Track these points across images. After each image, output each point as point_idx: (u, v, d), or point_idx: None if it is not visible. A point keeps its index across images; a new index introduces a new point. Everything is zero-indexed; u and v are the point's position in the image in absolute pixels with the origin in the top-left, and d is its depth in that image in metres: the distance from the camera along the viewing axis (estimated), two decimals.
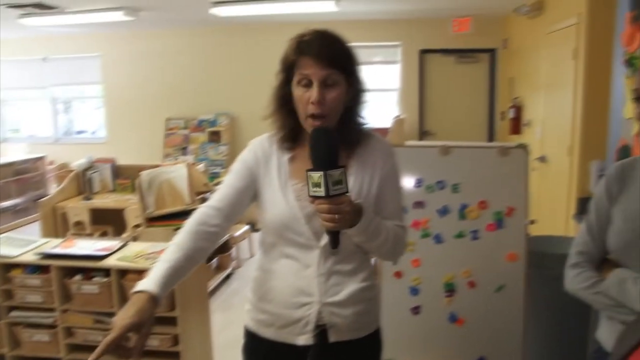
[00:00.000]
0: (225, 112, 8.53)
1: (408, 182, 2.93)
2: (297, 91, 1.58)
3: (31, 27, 7.54)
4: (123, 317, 1.34)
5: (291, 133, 1.67)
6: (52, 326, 3.16)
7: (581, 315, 2.72)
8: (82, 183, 6.01)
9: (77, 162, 6.29)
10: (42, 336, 3.17)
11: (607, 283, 1.57)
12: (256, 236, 6.44)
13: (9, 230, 6.75)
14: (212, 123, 8.49)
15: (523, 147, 2.87)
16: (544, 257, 2.94)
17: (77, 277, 3.05)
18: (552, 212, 5.20)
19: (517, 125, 6.69)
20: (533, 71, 6.14)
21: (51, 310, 3.13)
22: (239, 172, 1.70)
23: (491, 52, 8.08)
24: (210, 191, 5.20)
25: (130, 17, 6.93)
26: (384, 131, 7.92)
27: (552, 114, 5.40)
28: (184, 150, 8.37)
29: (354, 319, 1.67)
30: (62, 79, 9.45)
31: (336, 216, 1.43)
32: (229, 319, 4.32)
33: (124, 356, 1.35)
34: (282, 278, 1.67)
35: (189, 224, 1.60)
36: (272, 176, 1.67)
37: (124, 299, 2.93)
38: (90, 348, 3.14)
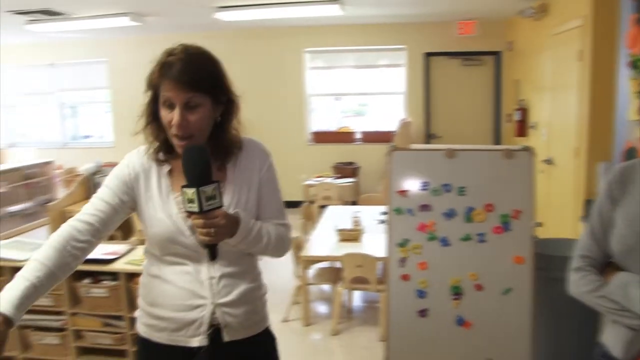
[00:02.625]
0: None
1: (413, 185, 2.94)
2: (163, 112, 1.56)
3: (38, 33, 7.59)
4: None
5: (164, 146, 1.64)
6: (61, 329, 3.19)
7: (588, 319, 2.72)
8: (90, 187, 6.03)
9: (85, 166, 6.32)
10: (52, 339, 3.20)
11: (610, 287, 1.57)
12: None
13: (18, 234, 6.79)
14: None
15: (528, 149, 2.87)
16: (551, 260, 2.94)
17: (86, 281, 3.08)
18: (558, 215, 5.19)
19: (522, 128, 6.68)
20: (538, 73, 6.14)
21: (60, 313, 3.16)
22: (114, 187, 1.65)
23: (496, 54, 8.09)
24: None
25: (136, 23, 6.98)
26: (389, 134, 7.93)
27: (558, 115, 5.40)
28: None
29: (245, 318, 1.71)
30: (69, 84, 9.52)
31: (212, 230, 1.49)
32: None
33: None
34: (173, 282, 1.65)
35: (56, 238, 1.52)
36: (153, 191, 1.65)
37: (132, 302, 2.95)
38: (99, 351, 3.18)
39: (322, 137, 8.64)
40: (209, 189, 1.46)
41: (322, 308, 4.80)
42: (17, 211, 7.53)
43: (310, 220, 5.46)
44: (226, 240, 1.57)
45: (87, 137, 9.93)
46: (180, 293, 1.64)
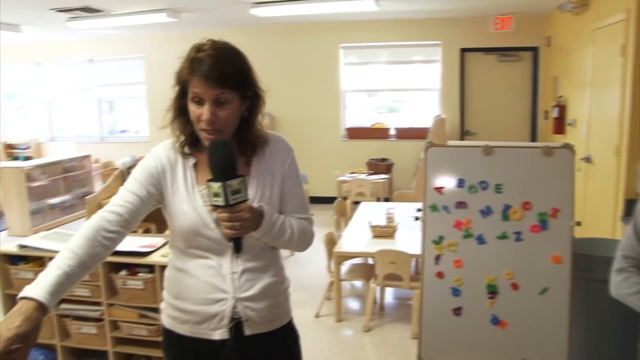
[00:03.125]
0: (265, 111, 8.57)
1: (449, 181, 2.91)
2: (191, 107, 1.58)
3: (78, 30, 7.74)
4: (8, 327, 1.26)
5: (190, 139, 1.67)
6: (98, 319, 3.25)
7: (629, 322, 2.66)
8: (126, 180, 6.13)
9: (121, 160, 6.43)
10: (90, 329, 3.26)
11: None
12: None
13: (57, 226, 6.95)
14: None
15: (568, 147, 2.81)
16: (590, 260, 2.88)
17: (122, 273, 3.13)
18: (598, 214, 5.08)
19: (560, 125, 6.55)
20: (578, 69, 6.01)
21: (98, 304, 3.22)
22: (142, 179, 1.68)
23: (533, 50, 7.94)
24: None
25: (173, 19, 7.05)
26: (424, 131, 7.87)
27: (598, 113, 5.27)
28: None
29: (267, 312, 1.71)
30: (107, 79, 9.69)
31: (237, 224, 1.51)
32: None
33: None
34: (196, 276, 1.67)
35: (87, 228, 1.56)
36: (179, 183, 1.68)
37: None
38: (135, 341, 3.23)
39: (356, 133, 8.62)
40: (234, 183, 1.48)
41: (354, 304, 4.79)
42: (56, 203, 7.71)
43: (343, 216, 5.45)
44: (251, 234, 1.59)
45: (123, 131, 10.10)
46: (203, 287, 1.66)
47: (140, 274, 3.11)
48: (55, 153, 9.32)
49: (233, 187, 1.48)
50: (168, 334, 1.77)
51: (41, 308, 1.33)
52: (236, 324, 1.67)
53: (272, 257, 1.77)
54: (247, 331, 1.68)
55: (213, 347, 1.68)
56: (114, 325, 3.25)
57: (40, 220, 7.33)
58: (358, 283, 4.91)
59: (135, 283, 3.10)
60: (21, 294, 1.35)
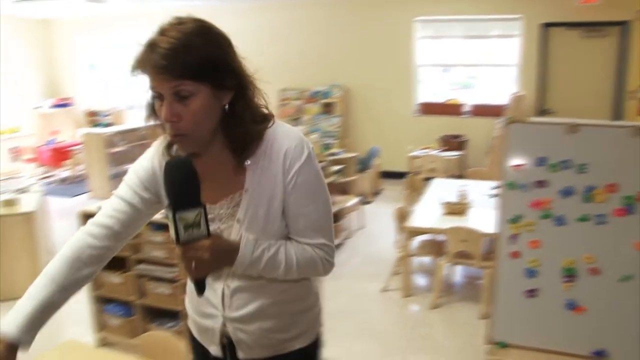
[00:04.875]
0: (339, 84, 8.57)
1: (529, 159, 2.81)
2: (156, 105, 1.31)
3: (159, 1, 7.90)
4: None
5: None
6: (173, 280, 3.37)
7: None
8: None
9: None
10: (164, 289, 3.39)
11: None
12: (367, 208, 6.49)
13: None
14: (326, 94, 8.56)
15: None
16: None
17: None
18: None
19: None
20: None
21: (172, 265, 3.34)
22: (132, 184, 1.46)
23: (623, 24, 7.50)
24: (323, 161, 5.28)
25: None
26: (499, 108, 7.64)
27: None
28: (296, 121, 8.52)
29: (261, 335, 1.48)
30: None
31: (191, 264, 1.26)
32: (336, 289, 4.39)
33: None
34: None
35: (68, 248, 1.39)
36: None
37: None
38: None
39: (429, 109, 8.47)
40: (190, 216, 1.23)
41: (422, 281, 4.77)
42: None
43: (414, 192, 5.40)
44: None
45: None
46: (200, 298, 1.49)
47: None
48: (133, 121, 9.65)
49: (188, 220, 1.22)
50: (190, 334, 1.67)
51: (11, 346, 1.24)
52: (230, 343, 1.51)
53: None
54: (240, 354, 1.50)
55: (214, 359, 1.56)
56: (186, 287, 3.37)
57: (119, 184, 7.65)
58: (427, 259, 4.87)
59: None
60: None
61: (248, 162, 1.37)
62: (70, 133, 9.61)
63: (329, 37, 8.54)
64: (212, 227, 1.33)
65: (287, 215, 1.40)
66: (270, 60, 8.80)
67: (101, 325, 3.68)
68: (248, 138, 1.35)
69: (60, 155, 8.88)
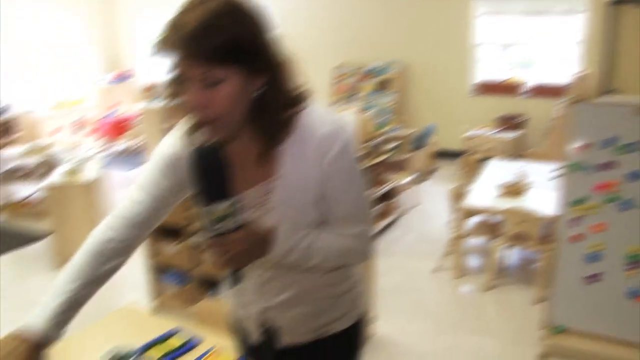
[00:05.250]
0: (396, 60, 8.43)
1: (594, 141, 2.70)
2: (180, 86, 1.23)
3: None
4: None
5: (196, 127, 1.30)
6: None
7: None
8: None
9: None
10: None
11: None
12: (422, 186, 6.42)
13: None
14: (382, 71, 8.45)
15: None
16: None
17: None
18: None
19: None
20: None
21: None
22: (153, 174, 1.39)
23: None
24: (376, 137, 5.24)
25: None
26: (560, 88, 7.39)
27: None
28: (351, 99, 8.45)
29: (300, 320, 1.45)
30: None
31: (224, 257, 1.23)
32: (390, 265, 4.38)
33: None
34: None
35: (91, 241, 1.35)
36: None
37: None
38: None
39: (487, 88, 8.25)
40: (220, 208, 1.19)
41: (475, 262, 4.69)
42: None
43: (470, 172, 5.30)
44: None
45: None
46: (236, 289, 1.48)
47: None
48: None
49: (218, 212, 1.19)
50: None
51: (39, 345, 1.22)
52: (269, 329, 1.49)
53: None
54: (281, 340, 1.49)
55: (253, 347, 1.56)
56: None
57: None
58: (480, 241, 4.79)
59: None
60: (22, 326, 1.23)
61: (281, 148, 1.28)
62: (129, 106, 9.84)
63: (387, 13, 8.39)
64: (244, 218, 1.26)
65: (321, 204, 1.33)
66: (325, 37, 8.75)
67: (157, 293, 3.79)
68: (280, 124, 1.27)
69: (119, 127, 9.12)
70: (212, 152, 1.21)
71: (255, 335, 1.52)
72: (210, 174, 1.20)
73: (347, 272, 1.49)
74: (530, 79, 8.07)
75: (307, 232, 1.32)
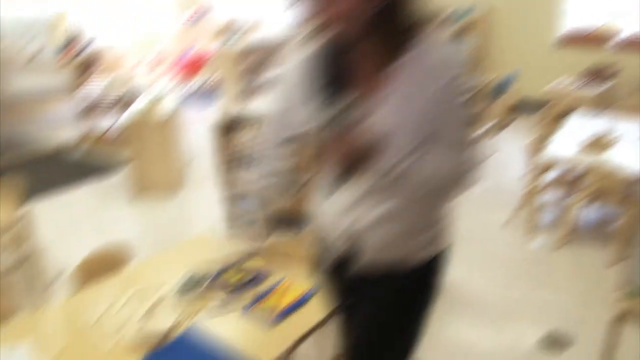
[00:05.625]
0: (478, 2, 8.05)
1: None
2: None
3: None
4: None
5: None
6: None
7: None
8: None
9: None
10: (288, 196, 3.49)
11: None
12: (499, 136, 6.18)
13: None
14: (461, 16, 8.07)
15: None
16: None
17: None
18: None
19: None
20: None
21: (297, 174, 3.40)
22: (283, 94, 1.55)
23: None
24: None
25: None
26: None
27: None
28: None
29: (388, 239, 1.46)
30: None
31: (339, 154, 1.32)
32: (461, 212, 4.23)
33: None
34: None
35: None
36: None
37: None
38: None
39: (573, 38, 7.77)
40: (336, 108, 1.30)
41: (549, 217, 4.52)
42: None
43: (551, 125, 5.05)
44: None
45: None
46: (333, 202, 1.51)
47: None
48: (268, 32, 9.73)
49: (334, 112, 1.30)
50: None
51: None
52: (355, 244, 1.50)
53: None
54: (355, 263, 1.51)
55: (331, 266, 1.61)
56: None
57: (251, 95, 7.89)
58: (556, 196, 4.59)
59: None
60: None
61: (396, 65, 1.31)
62: (205, 44, 9.91)
63: None
64: (358, 120, 1.32)
65: (428, 129, 1.34)
66: None
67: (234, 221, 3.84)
68: (399, 40, 1.30)
69: (195, 66, 9.22)
70: (330, 54, 1.31)
71: (339, 251, 1.53)
72: (331, 74, 1.30)
73: (441, 201, 1.51)
74: (625, 29, 7.53)
75: (413, 148, 1.34)
